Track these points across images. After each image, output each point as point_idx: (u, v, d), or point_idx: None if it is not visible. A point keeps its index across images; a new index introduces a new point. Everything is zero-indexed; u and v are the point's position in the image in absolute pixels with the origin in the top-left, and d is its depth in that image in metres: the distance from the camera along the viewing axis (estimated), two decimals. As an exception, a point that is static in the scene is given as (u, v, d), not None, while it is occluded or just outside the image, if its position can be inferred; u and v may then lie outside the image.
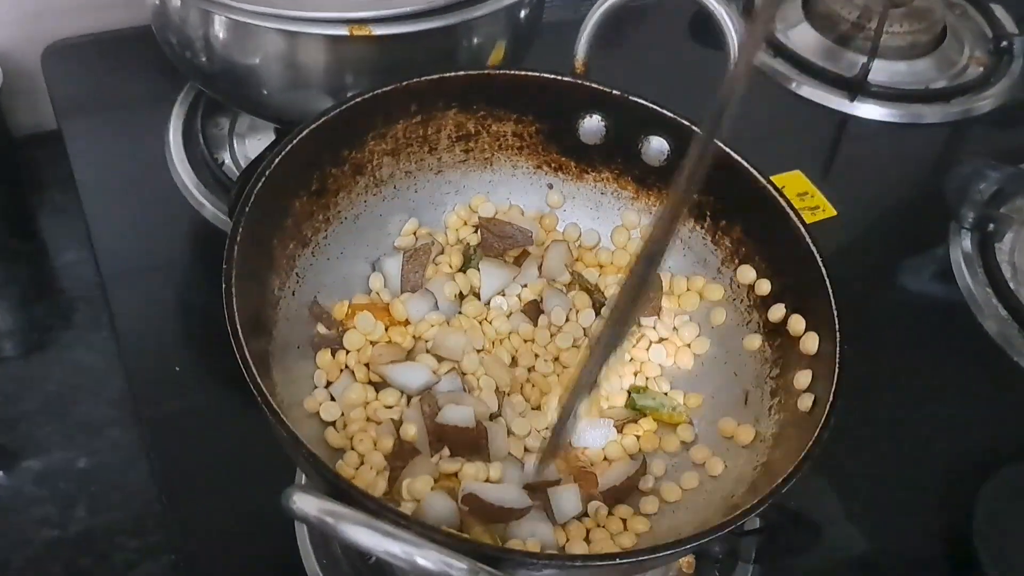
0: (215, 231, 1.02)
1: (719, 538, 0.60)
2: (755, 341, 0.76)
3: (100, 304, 1.06)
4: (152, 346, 0.94)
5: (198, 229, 1.03)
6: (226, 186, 1.04)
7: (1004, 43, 1.32)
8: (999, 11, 1.38)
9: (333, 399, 0.74)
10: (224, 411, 0.90)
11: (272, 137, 1.08)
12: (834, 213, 1.08)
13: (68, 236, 1.12)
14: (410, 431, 0.72)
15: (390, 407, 0.74)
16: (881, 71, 1.24)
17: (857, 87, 1.22)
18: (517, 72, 0.80)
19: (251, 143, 1.10)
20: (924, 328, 1.04)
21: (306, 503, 0.51)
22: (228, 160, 1.08)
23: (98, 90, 1.15)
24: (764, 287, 0.77)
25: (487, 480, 0.70)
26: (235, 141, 1.10)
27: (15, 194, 1.16)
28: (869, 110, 1.23)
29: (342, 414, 0.73)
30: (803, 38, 1.32)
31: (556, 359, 0.79)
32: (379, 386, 0.76)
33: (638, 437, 0.76)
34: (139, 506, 0.92)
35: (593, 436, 0.76)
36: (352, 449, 0.71)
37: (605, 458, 0.75)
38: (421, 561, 0.50)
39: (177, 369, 0.92)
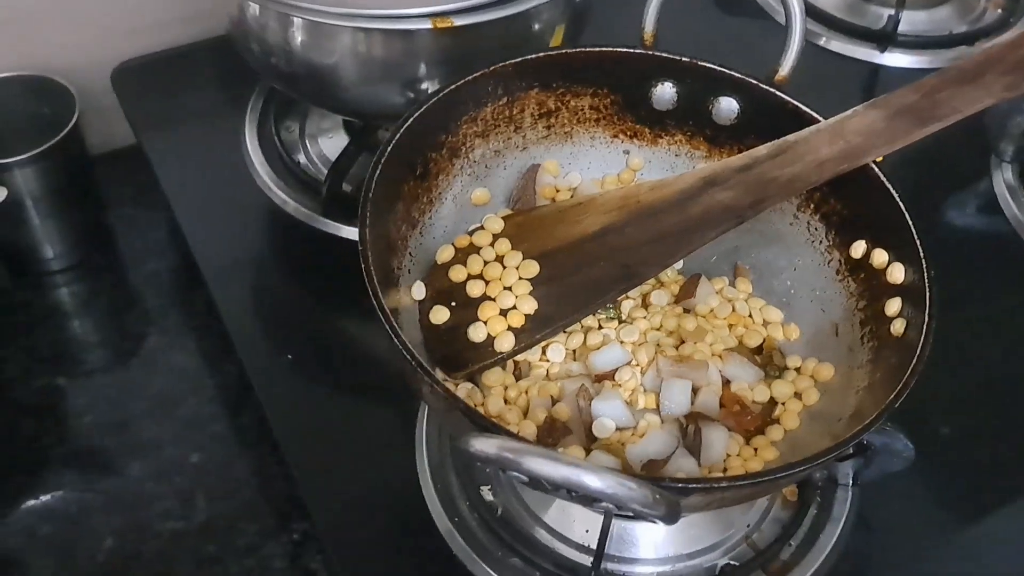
0: (300, 225, 1.06)
1: (829, 463, 0.65)
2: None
3: (184, 309, 1.12)
4: (259, 335, 1.00)
5: (284, 225, 1.08)
6: (307, 183, 1.09)
7: (1019, -16, 1.36)
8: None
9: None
10: (336, 390, 0.96)
11: (341, 135, 1.14)
12: (880, 158, 1.13)
13: (146, 248, 1.19)
14: (564, 412, 0.76)
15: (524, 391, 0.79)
16: (904, 21, 1.29)
17: (887, 38, 1.28)
18: (592, 48, 0.85)
19: (323, 142, 1.15)
20: (977, 258, 1.09)
21: (485, 444, 0.57)
22: (304, 159, 1.14)
23: (171, 105, 1.20)
24: (843, 227, 0.82)
25: (634, 435, 0.76)
26: (307, 141, 1.16)
27: (94, 212, 1.20)
28: (898, 59, 1.28)
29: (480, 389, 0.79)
30: (826, -5, 1.37)
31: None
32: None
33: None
34: (252, 493, 0.98)
35: (746, 373, 0.81)
36: (491, 417, 0.76)
37: (754, 400, 0.80)
38: (597, 484, 0.56)
39: (289, 357, 0.97)
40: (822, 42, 1.31)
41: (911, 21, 1.31)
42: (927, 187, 1.15)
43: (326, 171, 1.08)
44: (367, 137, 1.07)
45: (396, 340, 0.66)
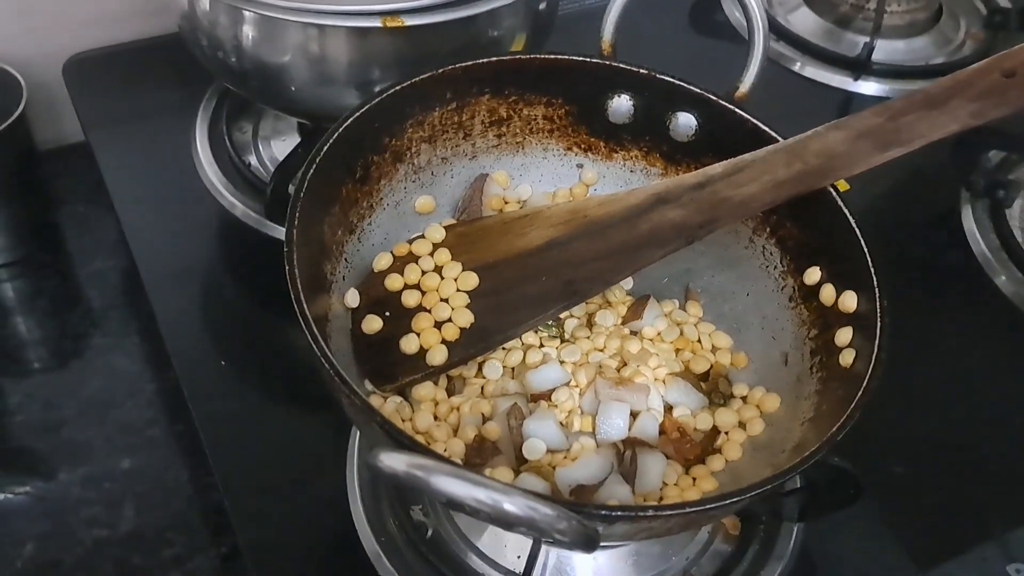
0: (247, 229, 1.04)
1: (766, 495, 0.62)
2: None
3: (129, 311, 1.09)
4: (197, 343, 0.96)
5: (230, 228, 1.06)
6: (256, 186, 1.06)
7: (998, 17, 1.35)
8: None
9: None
10: (272, 402, 0.93)
11: (295, 138, 1.11)
12: (847, 187, 1.10)
13: (93, 246, 1.16)
14: (495, 431, 0.73)
15: (455, 408, 0.76)
16: (881, 50, 1.27)
17: (861, 66, 1.26)
18: (547, 56, 0.82)
19: (276, 145, 1.13)
20: (942, 293, 1.07)
21: (394, 460, 0.53)
22: (255, 162, 1.11)
23: (122, 101, 1.17)
24: (798, 253, 0.79)
25: (566, 459, 0.73)
26: (260, 143, 1.13)
27: (40, 207, 1.18)
28: (872, 87, 1.27)
29: (410, 403, 0.76)
30: (803, 21, 1.36)
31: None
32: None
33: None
34: (183, 503, 0.95)
35: (690, 399, 0.78)
36: (418, 434, 0.73)
37: (696, 428, 0.77)
38: (507, 506, 0.52)
39: (223, 363, 0.94)
40: (796, 67, 1.29)
41: (888, 50, 1.30)
42: (896, 218, 1.14)
43: (274, 173, 1.05)
44: (318, 139, 1.03)
45: (315, 346, 0.63)
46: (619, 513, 0.58)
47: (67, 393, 1.03)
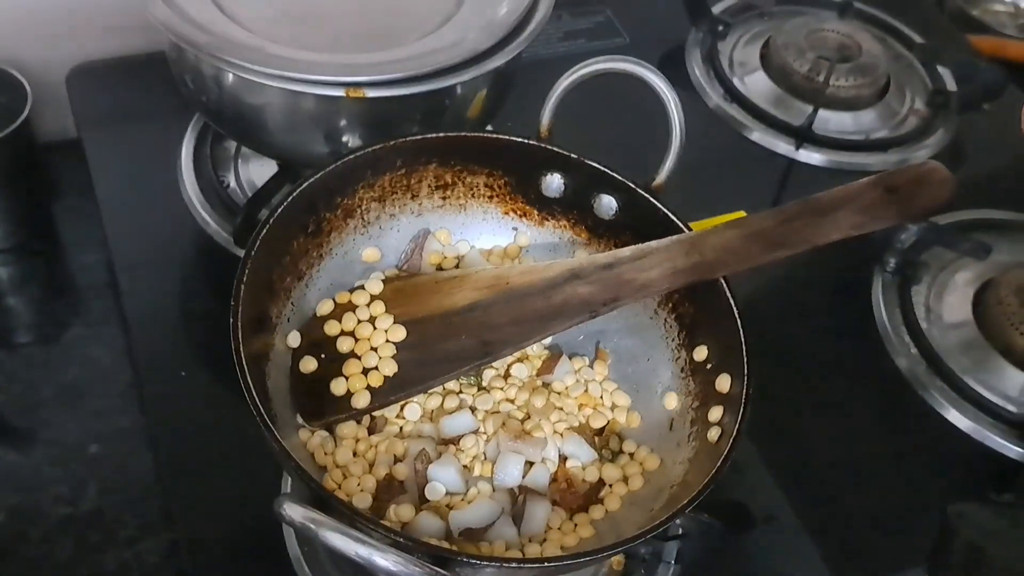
0: (218, 247, 1.13)
1: (639, 545, 0.73)
2: (673, 401, 0.89)
3: (112, 303, 1.17)
4: (160, 348, 1.06)
5: (203, 244, 1.15)
6: (230, 209, 1.14)
7: (940, 98, 1.42)
8: (943, 70, 1.48)
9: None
10: (225, 410, 0.99)
11: (274, 165, 1.17)
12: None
13: (85, 238, 1.23)
14: (402, 472, 0.83)
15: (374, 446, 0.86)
16: (828, 120, 1.35)
17: (802, 135, 1.33)
18: (490, 135, 0.93)
19: (255, 167, 1.20)
20: (843, 363, 1.15)
21: (293, 511, 0.64)
22: (233, 182, 1.19)
23: (118, 110, 1.25)
24: (692, 330, 0.90)
25: (463, 501, 0.83)
26: (240, 163, 1.21)
27: (38, 197, 1.25)
28: (813, 157, 1.34)
29: (334, 438, 0.86)
30: (757, 85, 1.42)
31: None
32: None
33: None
34: (141, 488, 1.04)
35: (583, 452, 0.88)
36: (336, 467, 0.83)
37: (584, 479, 0.87)
38: (381, 562, 0.63)
39: (183, 374, 1.04)
40: (744, 131, 1.37)
41: (836, 121, 1.38)
42: (814, 287, 1.22)
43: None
44: (293, 171, 1.11)
45: (245, 389, 0.73)
46: (485, 563, 0.69)
47: (46, 377, 1.11)
